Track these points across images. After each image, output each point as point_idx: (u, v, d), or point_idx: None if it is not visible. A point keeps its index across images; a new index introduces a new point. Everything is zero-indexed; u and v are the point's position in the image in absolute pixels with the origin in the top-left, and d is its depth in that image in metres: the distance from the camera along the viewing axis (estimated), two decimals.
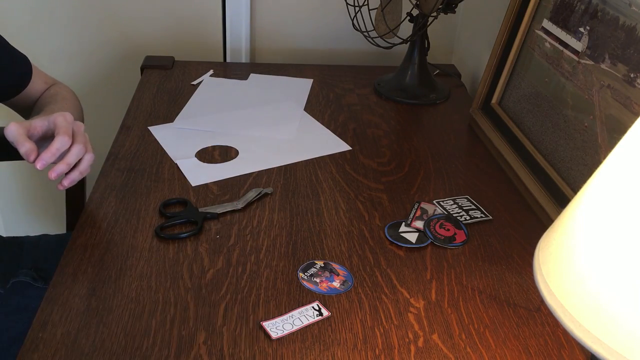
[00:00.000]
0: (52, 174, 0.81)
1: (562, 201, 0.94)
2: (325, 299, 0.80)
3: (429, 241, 0.91)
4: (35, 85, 1.06)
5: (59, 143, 0.82)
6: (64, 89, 1.09)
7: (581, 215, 0.49)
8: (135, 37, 1.56)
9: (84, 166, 0.87)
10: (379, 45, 1.30)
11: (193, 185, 1.01)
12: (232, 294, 0.80)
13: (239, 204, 0.96)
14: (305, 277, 0.83)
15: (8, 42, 1.02)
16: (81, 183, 1.19)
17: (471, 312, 0.80)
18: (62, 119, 0.85)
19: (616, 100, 0.86)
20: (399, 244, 0.90)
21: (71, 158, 0.84)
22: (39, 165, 0.81)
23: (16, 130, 0.82)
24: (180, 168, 1.05)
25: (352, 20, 1.29)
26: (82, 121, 1.08)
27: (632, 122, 0.50)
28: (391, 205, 0.99)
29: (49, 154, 0.81)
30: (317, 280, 0.83)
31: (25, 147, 0.82)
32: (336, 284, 0.82)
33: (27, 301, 1.00)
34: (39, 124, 0.85)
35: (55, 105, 1.00)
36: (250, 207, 0.97)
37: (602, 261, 0.46)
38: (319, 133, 1.20)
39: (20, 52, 1.05)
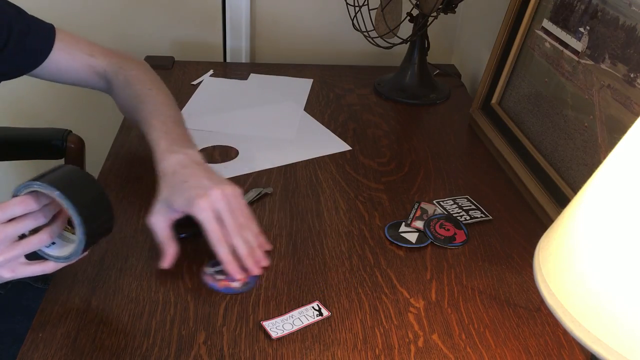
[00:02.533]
0: (255, 270, 0.81)
1: (562, 201, 0.94)
2: (325, 299, 0.80)
3: (429, 241, 0.91)
4: (72, 55, 1.01)
5: (223, 250, 0.79)
6: (139, 73, 1.02)
7: (581, 215, 0.49)
8: (135, 37, 1.56)
9: (253, 243, 0.82)
10: (379, 45, 1.30)
11: None
12: (232, 294, 0.80)
13: None
14: (210, 272, 0.82)
15: (26, 13, 0.99)
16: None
17: (471, 312, 0.80)
18: (206, 215, 0.79)
19: (616, 100, 0.86)
20: (399, 244, 0.90)
21: (242, 251, 0.80)
22: (238, 276, 0.80)
23: (163, 230, 0.81)
24: None
25: (352, 20, 1.29)
26: (177, 106, 1.00)
27: (632, 122, 0.50)
28: (391, 205, 0.99)
29: (231, 266, 0.79)
30: (220, 277, 0.81)
31: (170, 249, 0.81)
32: (236, 284, 0.80)
33: (27, 301, 1.00)
34: (176, 212, 0.82)
35: (146, 105, 0.96)
36: (250, 207, 0.96)
37: (602, 261, 0.46)
38: (319, 133, 1.20)
39: (42, 20, 1.01)
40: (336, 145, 1.16)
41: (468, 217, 0.96)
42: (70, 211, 0.69)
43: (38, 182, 0.69)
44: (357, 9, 1.27)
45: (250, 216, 0.84)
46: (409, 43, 1.32)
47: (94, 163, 0.89)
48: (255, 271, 0.81)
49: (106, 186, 0.99)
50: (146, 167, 1.05)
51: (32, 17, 1.00)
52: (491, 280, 0.85)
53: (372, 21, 1.31)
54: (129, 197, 0.97)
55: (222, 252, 0.79)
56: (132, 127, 1.17)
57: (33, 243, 0.71)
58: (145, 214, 0.94)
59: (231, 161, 1.09)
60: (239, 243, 0.80)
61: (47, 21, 1.04)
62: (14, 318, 0.97)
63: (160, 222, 0.82)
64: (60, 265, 0.74)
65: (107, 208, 0.75)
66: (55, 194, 0.69)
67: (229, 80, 1.40)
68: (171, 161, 0.85)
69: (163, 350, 0.72)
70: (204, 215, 0.79)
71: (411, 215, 0.96)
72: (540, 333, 0.77)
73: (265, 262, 0.83)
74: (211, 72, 1.42)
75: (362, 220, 0.95)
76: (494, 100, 1.21)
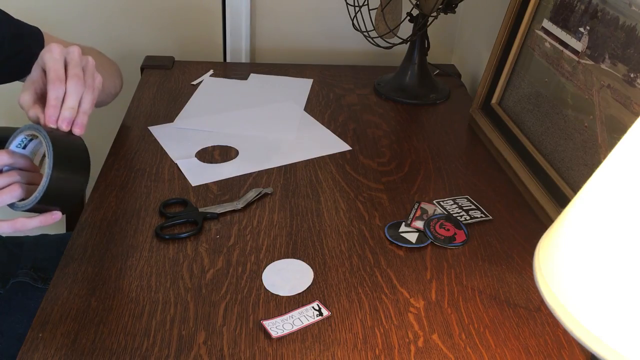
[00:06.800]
0: (63, 125, 0.77)
1: (562, 201, 0.94)
2: (325, 299, 0.80)
3: (429, 241, 0.91)
4: None
5: (54, 92, 0.77)
6: (85, 48, 1.06)
7: (581, 216, 0.49)
8: (135, 37, 1.56)
9: (86, 105, 0.79)
10: (379, 45, 1.30)
11: (193, 185, 1.01)
12: (232, 294, 0.80)
13: (239, 204, 0.96)
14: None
15: (13, 17, 1.00)
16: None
17: (471, 312, 0.80)
18: (48, 56, 0.78)
19: (616, 100, 0.86)
20: (399, 244, 0.90)
21: (71, 101, 0.78)
22: (50, 123, 0.76)
23: (24, 100, 0.79)
24: (180, 168, 1.05)
25: (352, 20, 1.29)
26: (120, 77, 1.07)
27: (632, 122, 0.50)
28: (391, 205, 0.99)
29: (51, 110, 0.77)
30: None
31: (31, 113, 0.78)
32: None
33: (27, 301, 1.00)
34: (35, 75, 0.80)
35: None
36: (250, 207, 0.97)
37: (602, 261, 0.46)
38: (319, 133, 1.20)
39: (29, 24, 1.02)
40: (336, 145, 1.16)
41: (468, 217, 0.96)
42: (48, 151, 0.74)
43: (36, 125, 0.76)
44: (357, 9, 1.27)
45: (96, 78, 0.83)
46: (409, 43, 1.32)
47: (94, 163, 0.88)
48: (64, 126, 0.78)
49: (106, 186, 1.00)
50: (146, 167, 1.05)
51: (19, 21, 1.00)
52: (491, 280, 0.85)
53: (372, 21, 1.31)
54: (128, 197, 0.97)
55: (54, 94, 0.77)
56: (130, 127, 1.17)
57: (4, 198, 0.75)
58: (146, 215, 0.94)
59: (231, 161, 1.09)
60: (71, 92, 0.78)
61: (46, 22, 1.04)
62: (14, 318, 0.97)
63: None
64: (17, 224, 0.77)
65: (82, 164, 0.78)
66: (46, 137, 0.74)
67: (229, 80, 1.40)
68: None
69: (163, 350, 0.72)
70: (48, 56, 0.78)
71: (411, 215, 0.96)
72: (540, 333, 0.77)
73: (79, 130, 0.79)
74: (211, 72, 1.42)
75: (362, 220, 0.95)
76: (494, 100, 1.21)
